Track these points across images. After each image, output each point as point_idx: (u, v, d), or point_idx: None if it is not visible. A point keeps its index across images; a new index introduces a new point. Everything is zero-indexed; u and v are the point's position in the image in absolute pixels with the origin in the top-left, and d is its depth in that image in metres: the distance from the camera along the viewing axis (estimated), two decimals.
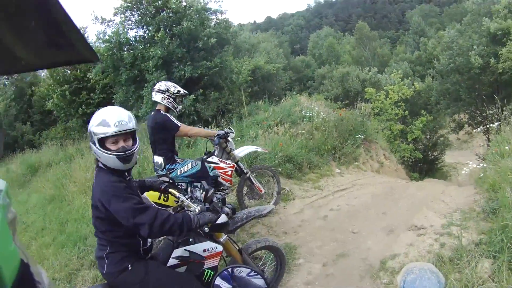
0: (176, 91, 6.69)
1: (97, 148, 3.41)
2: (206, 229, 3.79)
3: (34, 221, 11.60)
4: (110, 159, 3.42)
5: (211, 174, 6.95)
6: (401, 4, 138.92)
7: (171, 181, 5.45)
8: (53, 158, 18.98)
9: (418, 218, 7.54)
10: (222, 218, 3.79)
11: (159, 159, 6.67)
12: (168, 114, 6.60)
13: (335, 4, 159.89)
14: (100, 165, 3.51)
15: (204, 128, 8.09)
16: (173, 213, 3.81)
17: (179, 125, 6.55)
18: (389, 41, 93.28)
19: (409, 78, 34.66)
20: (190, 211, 3.83)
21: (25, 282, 1.56)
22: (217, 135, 7.15)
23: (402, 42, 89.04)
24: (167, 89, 6.66)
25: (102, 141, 3.41)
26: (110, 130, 3.36)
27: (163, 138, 6.63)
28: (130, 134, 3.51)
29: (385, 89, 29.05)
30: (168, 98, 6.64)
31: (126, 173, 3.60)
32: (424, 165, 29.74)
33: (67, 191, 12.20)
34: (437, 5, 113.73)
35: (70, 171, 14.14)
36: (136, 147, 3.53)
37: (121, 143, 3.43)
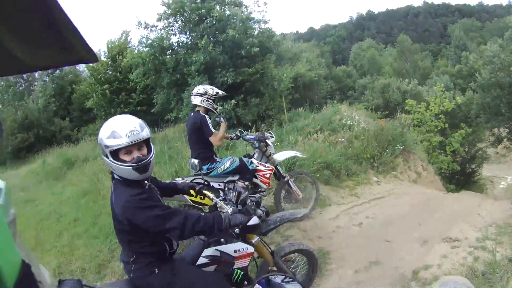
0: (214, 93, 6.82)
1: (110, 161, 3.31)
2: (237, 230, 3.72)
3: (68, 213, 11.78)
4: (126, 170, 3.31)
5: (250, 167, 7.08)
6: (443, 18, 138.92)
7: (206, 182, 5.51)
8: (90, 153, 19.20)
9: (453, 230, 7.49)
10: (254, 220, 3.76)
11: (195, 160, 6.72)
12: (206, 116, 6.70)
13: (377, 17, 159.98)
14: (116, 177, 3.43)
15: (240, 134, 7.88)
16: (205, 212, 3.87)
17: (212, 132, 6.60)
18: (430, 54, 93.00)
19: (451, 91, 34.52)
20: (223, 212, 3.79)
21: (27, 283, 1.59)
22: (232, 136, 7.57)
23: (443, 56, 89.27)
24: (206, 91, 6.80)
25: (115, 153, 3.30)
26: (123, 141, 3.23)
27: (201, 138, 6.71)
28: (144, 142, 3.39)
29: (426, 100, 28.83)
30: (207, 100, 6.76)
31: (145, 182, 3.51)
32: (461, 178, 29.38)
33: (103, 185, 12.22)
34: (479, 20, 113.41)
35: (106, 166, 14.17)
36: (152, 156, 3.41)
37: (136, 153, 3.32)
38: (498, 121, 30.24)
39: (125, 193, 3.29)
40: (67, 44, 1.54)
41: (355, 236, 7.82)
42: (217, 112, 7.00)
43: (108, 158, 3.30)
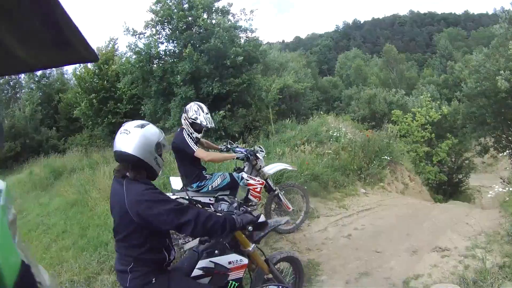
0: (193, 117, 6.50)
1: (162, 159, 3.60)
2: (250, 228, 3.78)
3: (55, 224, 11.65)
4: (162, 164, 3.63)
5: (240, 183, 6.99)
6: (429, 27, 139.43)
7: (186, 197, 5.54)
8: (77, 164, 19.18)
9: (442, 240, 7.49)
10: (262, 218, 3.86)
11: (175, 179, 6.91)
12: (186, 135, 6.46)
13: (363, 26, 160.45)
14: (130, 176, 3.44)
15: (230, 146, 7.77)
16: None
17: (195, 150, 6.37)
18: (416, 63, 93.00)
19: (437, 102, 34.65)
20: None
21: (26, 283, 1.59)
22: (238, 157, 7.20)
23: (429, 65, 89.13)
24: (187, 111, 6.58)
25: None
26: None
27: (184, 157, 6.60)
28: None
29: (412, 111, 29.04)
30: (185, 120, 6.56)
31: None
32: (448, 188, 29.59)
33: (90, 197, 12.28)
34: (464, 29, 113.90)
35: (94, 177, 14.24)
36: None
37: None
38: (484, 130, 30.23)
39: (140, 187, 3.34)
40: (68, 43, 1.53)
41: (344, 248, 7.82)
42: (193, 137, 6.55)
43: (161, 156, 3.59)
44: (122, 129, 3.44)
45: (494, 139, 30.91)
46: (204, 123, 6.45)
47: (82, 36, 1.55)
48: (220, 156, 7.16)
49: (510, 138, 27.99)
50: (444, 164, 29.61)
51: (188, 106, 6.62)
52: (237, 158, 7.20)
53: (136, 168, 3.43)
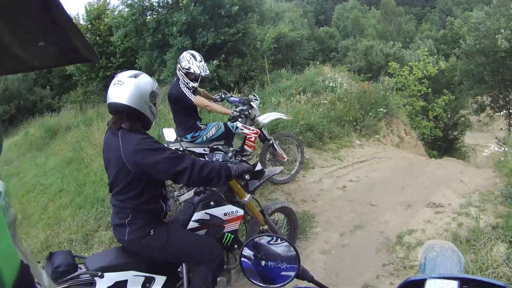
0: (186, 67, 6.30)
1: (156, 108, 3.57)
2: (247, 177, 3.85)
3: (52, 183, 11.67)
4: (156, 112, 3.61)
5: (235, 132, 6.96)
6: None
7: (181, 149, 5.41)
8: (72, 121, 19.13)
9: (436, 196, 7.55)
10: (259, 166, 3.88)
11: (168, 131, 6.77)
12: (182, 86, 6.35)
13: None
14: (125, 127, 3.40)
15: (225, 96, 7.59)
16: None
17: (193, 99, 6.31)
18: (414, 17, 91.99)
19: (434, 57, 34.20)
20: None
21: (25, 284, 1.58)
22: (233, 114, 7.03)
23: (428, 20, 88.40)
24: (180, 61, 6.39)
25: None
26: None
27: (179, 108, 6.56)
28: None
29: (409, 65, 28.74)
30: (179, 71, 6.39)
31: None
32: (443, 144, 29.63)
33: (86, 153, 12.27)
34: None
35: (89, 134, 14.23)
36: None
37: None
38: (482, 88, 29.93)
39: (136, 137, 3.31)
40: (69, 43, 1.55)
41: (339, 199, 7.90)
42: (189, 87, 6.38)
43: (155, 105, 3.57)
44: (115, 80, 3.41)
45: (491, 98, 30.79)
46: (198, 72, 6.30)
47: (82, 36, 1.57)
48: (217, 108, 6.95)
49: (507, 98, 27.89)
50: (440, 120, 29.53)
51: (181, 56, 6.43)
52: (233, 113, 7.06)
53: (131, 119, 3.40)
